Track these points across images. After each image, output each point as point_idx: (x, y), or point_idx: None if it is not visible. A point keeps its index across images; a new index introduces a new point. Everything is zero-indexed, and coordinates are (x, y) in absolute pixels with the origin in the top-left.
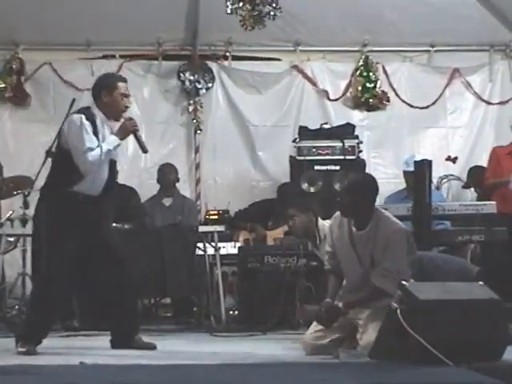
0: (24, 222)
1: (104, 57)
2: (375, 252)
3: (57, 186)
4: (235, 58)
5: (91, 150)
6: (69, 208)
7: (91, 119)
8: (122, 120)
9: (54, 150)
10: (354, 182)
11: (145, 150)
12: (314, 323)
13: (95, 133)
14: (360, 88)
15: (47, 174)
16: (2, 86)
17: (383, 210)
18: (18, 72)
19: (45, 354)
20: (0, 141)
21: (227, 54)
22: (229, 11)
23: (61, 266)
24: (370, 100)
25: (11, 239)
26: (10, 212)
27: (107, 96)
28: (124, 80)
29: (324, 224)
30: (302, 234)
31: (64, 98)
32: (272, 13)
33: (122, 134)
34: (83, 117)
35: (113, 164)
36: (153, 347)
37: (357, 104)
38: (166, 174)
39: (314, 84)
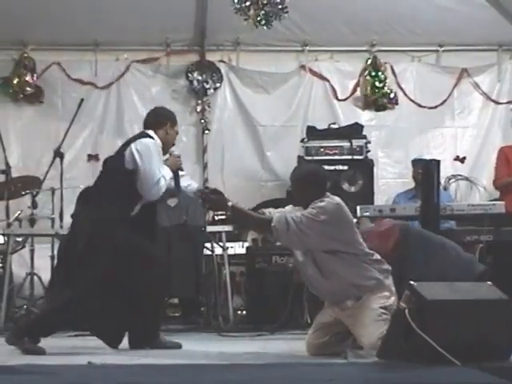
0: (32, 221)
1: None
2: None
3: (116, 208)
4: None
5: (163, 178)
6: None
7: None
8: (172, 155)
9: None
10: (297, 173)
11: (178, 190)
12: (314, 323)
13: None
14: (368, 88)
15: (102, 194)
16: (17, 84)
17: (333, 197)
18: (31, 70)
19: (53, 353)
20: (8, 141)
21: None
22: (235, 11)
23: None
24: (379, 100)
25: (19, 239)
26: (19, 212)
27: (170, 129)
28: None
29: None
30: None
31: (72, 98)
32: (279, 13)
33: (171, 166)
34: (157, 143)
35: None
36: (179, 346)
37: (365, 104)
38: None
39: (326, 80)
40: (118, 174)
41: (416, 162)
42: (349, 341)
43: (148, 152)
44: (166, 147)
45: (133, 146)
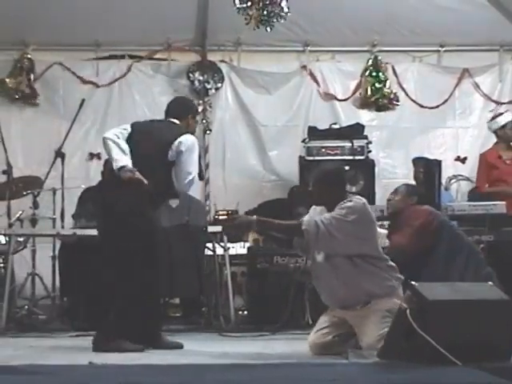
0: (33, 222)
1: (112, 57)
2: None
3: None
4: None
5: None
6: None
7: None
8: None
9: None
10: (317, 174)
11: (203, 177)
12: (318, 322)
13: None
14: (369, 88)
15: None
16: (12, 85)
17: (358, 197)
18: (28, 71)
19: (54, 353)
20: (9, 141)
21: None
22: (236, 10)
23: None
24: (380, 100)
25: (21, 239)
26: (20, 212)
27: (192, 119)
28: None
29: None
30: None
31: (73, 98)
32: (280, 13)
33: None
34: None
35: None
36: (180, 346)
37: (366, 104)
38: None
39: (324, 87)
40: (163, 164)
41: (417, 161)
42: (352, 341)
43: (193, 149)
44: None
45: (182, 139)
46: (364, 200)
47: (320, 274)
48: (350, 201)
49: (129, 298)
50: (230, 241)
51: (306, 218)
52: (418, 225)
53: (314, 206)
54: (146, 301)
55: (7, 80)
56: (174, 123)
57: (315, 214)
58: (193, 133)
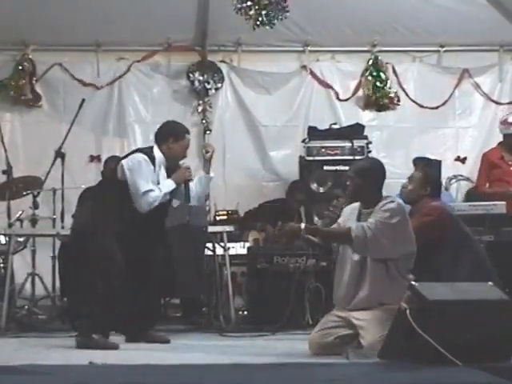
0: (33, 222)
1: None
2: None
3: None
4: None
5: (152, 191)
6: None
7: (152, 161)
8: (180, 167)
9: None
10: (359, 167)
11: (189, 200)
12: (321, 321)
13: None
14: (370, 88)
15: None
16: (13, 86)
17: (393, 197)
18: (29, 73)
19: (54, 353)
20: (10, 141)
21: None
22: (236, 11)
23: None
24: (380, 100)
25: (21, 239)
26: (20, 212)
27: (173, 143)
28: (189, 133)
29: None
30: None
31: (74, 98)
32: (280, 13)
33: (178, 179)
34: (146, 158)
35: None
36: (167, 341)
37: (366, 104)
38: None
39: (324, 85)
40: (114, 182)
41: (417, 161)
42: (353, 343)
43: (137, 167)
44: (172, 161)
45: (124, 161)
46: (398, 199)
47: (346, 271)
48: (392, 201)
49: (96, 298)
50: (230, 240)
51: (347, 223)
52: (427, 221)
53: (351, 206)
54: (120, 299)
55: (9, 82)
56: (149, 148)
57: (347, 215)
58: (182, 156)
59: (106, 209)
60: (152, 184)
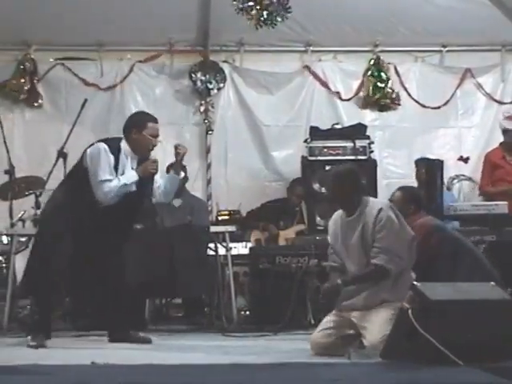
0: (36, 222)
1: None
2: (365, 234)
3: (70, 192)
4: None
5: (109, 181)
6: (74, 210)
7: (115, 151)
8: (148, 160)
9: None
10: (332, 175)
11: (150, 194)
12: (323, 321)
13: (116, 165)
14: (371, 88)
15: (64, 180)
16: (15, 86)
17: (369, 197)
18: (30, 72)
19: (56, 353)
20: (12, 141)
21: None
22: (237, 10)
23: (57, 254)
24: (382, 100)
25: (23, 239)
26: (22, 212)
27: (136, 134)
28: (155, 121)
29: None
30: None
31: (76, 98)
32: (282, 13)
33: (142, 172)
34: (107, 148)
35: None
36: (148, 341)
37: (368, 104)
38: None
39: (326, 85)
40: (79, 170)
41: (419, 162)
42: (355, 343)
43: (95, 155)
44: (139, 152)
45: (88, 149)
46: (384, 200)
47: (348, 270)
48: (381, 210)
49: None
50: (232, 240)
51: (371, 257)
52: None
53: (332, 219)
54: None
55: (11, 82)
56: (117, 139)
57: (332, 231)
58: (147, 148)
59: (65, 195)
60: (111, 175)
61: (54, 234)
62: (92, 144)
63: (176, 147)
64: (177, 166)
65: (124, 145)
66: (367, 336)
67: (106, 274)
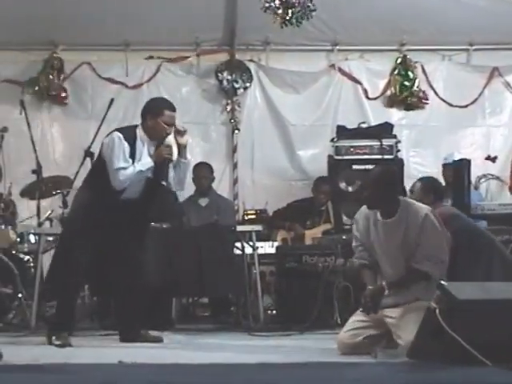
0: (63, 221)
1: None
2: (407, 238)
3: (93, 188)
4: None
5: (124, 169)
6: (99, 208)
7: (130, 139)
8: (162, 145)
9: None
10: (372, 176)
11: (165, 179)
12: (350, 321)
13: (132, 152)
14: (398, 87)
15: (86, 176)
16: (44, 83)
17: (407, 199)
18: (58, 71)
19: (83, 352)
20: (39, 141)
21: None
22: (263, 10)
23: (81, 253)
24: (409, 99)
25: (50, 239)
26: (49, 212)
27: (151, 120)
28: (172, 109)
29: None
30: None
31: (102, 97)
32: (307, 13)
33: (157, 158)
34: (121, 136)
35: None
36: (159, 340)
37: (395, 103)
38: (199, 177)
39: (354, 80)
40: (99, 163)
41: (446, 166)
42: (382, 343)
43: (111, 145)
44: (155, 138)
45: (104, 140)
46: (424, 206)
47: (387, 267)
48: (427, 217)
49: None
50: (259, 239)
51: (413, 262)
52: None
53: (361, 213)
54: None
55: (39, 79)
56: (133, 126)
57: (362, 226)
58: (162, 134)
59: (88, 193)
60: (127, 162)
61: (78, 233)
62: (108, 134)
63: (177, 130)
64: (181, 149)
65: (140, 131)
66: (402, 335)
67: (126, 272)
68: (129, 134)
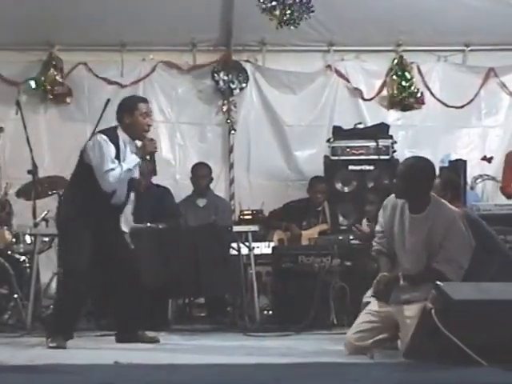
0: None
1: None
2: (431, 238)
3: (79, 194)
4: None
5: (112, 170)
6: (88, 212)
7: (114, 140)
8: (144, 140)
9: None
10: (412, 165)
11: (155, 173)
12: (358, 321)
13: (117, 153)
14: (395, 87)
15: (70, 181)
16: (45, 80)
17: (439, 199)
18: (58, 70)
19: (79, 353)
20: (35, 141)
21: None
22: (261, 11)
23: (81, 258)
24: (405, 100)
25: (46, 239)
26: (45, 212)
27: (129, 118)
28: (144, 100)
29: None
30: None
31: (99, 98)
32: (305, 13)
33: (142, 153)
34: (106, 139)
35: (130, 181)
36: (156, 341)
37: (391, 103)
38: (198, 176)
39: (349, 82)
40: (82, 167)
41: (443, 169)
42: (390, 345)
43: (97, 148)
44: (138, 134)
45: (87, 144)
46: (454, 209)
47: (406, 261)
48: (454, 221)
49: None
50: (255, 240)
51: (434, 262)
52: None
53: (391, 200)
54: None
55: (39, 78)
56: (114, 128)
57: (388, 216)
58: (145, 130)
59: (76, 196)
60: (114, 163)
61: (74, 237)
62: (90, 138)
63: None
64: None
65: (120, 132)
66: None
67: (121, 272)
68: (112, 135)
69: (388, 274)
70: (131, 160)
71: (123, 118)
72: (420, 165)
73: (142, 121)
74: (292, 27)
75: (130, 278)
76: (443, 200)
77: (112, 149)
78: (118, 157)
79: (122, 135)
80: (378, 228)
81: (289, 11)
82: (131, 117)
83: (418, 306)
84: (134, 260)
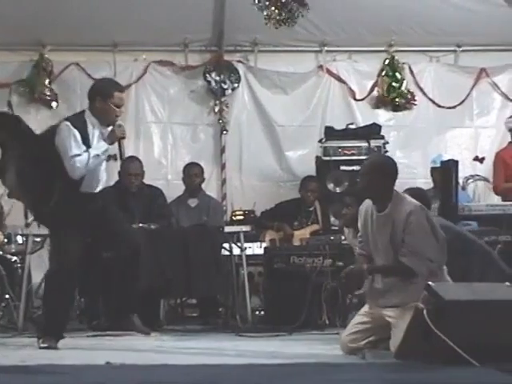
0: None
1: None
2: (395, 234)
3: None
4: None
5: (78, 155)
6: (73, 202)
7: (80, 125)
8: (114, 126)
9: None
10: (371, 163)
11: (122, 158)
12: (352, 322)
13: (85, 137)
14: (386, 88)
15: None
16: (32, 85)
17: (402, 193)
18: (47, 72)
19: (71, 353)
20: None
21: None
22: (256, 10)
23: (70, 256)
24: (397, 100)
25: (38, 239)
26: None
27: (101, 102)
28: (121, 90)
29: None
30: (351, 223)
31: None
32: (300, 10)
33: (111, 139)
34: (70, 124)
35: None
36: (147, 332)
37: (383, 104)
38: (191, 175)
39: (342, 82)
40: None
41: (435, 169)
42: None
43: (62, 135)
44: (105, 120)
45: (57, 129)
46: (414, 202)
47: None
48: (410, 213)
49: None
50: (247, 240)
51: (400, 255)
52: None
53: (364, 205)
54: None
55: (28, 82)
56: (80, 112)
57: (363, 218)
58: (114, 115)
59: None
60: (79, 149)
61: (60, 234)
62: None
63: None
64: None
65: (88, 115)
66: (394, 337)
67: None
68: (77, 120)
69: (353, 267)
70: (100, 146)
71: (95, 100)
72: (379, 161)
73: (113, 111)
74: (288, 26)
75: (130, 250)
76: (405, 195)
77: (76, 134)
78: (87, 142)
79: (91, 119)
80: (359, 234)
81: (284, 10)
82: (103, 102)
83: (399, 309)
84: (132, 233)
